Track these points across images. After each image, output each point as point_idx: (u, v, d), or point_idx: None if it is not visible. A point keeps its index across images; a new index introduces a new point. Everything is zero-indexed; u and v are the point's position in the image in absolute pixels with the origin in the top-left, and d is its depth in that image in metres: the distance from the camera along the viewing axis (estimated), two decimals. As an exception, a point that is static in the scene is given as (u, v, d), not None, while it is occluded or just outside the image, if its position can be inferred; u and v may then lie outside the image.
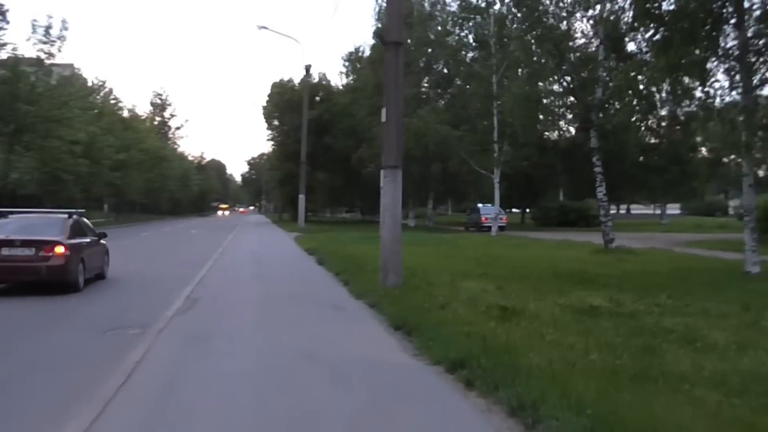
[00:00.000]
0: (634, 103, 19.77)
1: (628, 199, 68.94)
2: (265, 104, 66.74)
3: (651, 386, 5.48)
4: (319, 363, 6.78)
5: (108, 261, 15.59)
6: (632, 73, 17.59)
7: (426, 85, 48.52)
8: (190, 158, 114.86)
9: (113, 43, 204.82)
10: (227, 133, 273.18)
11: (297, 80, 61.92)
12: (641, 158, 48.24)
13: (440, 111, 42.53)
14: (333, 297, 11.89)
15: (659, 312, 9.43)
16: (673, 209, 73.72)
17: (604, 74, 21.70)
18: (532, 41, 23.04)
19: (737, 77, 14.53)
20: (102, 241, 15.21)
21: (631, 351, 6.76)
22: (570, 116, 32.61)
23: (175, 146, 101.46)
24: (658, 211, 67.94)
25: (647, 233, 37.70)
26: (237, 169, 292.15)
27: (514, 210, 64.10)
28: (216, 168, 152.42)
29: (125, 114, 71.50)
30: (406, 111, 12.81)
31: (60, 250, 12.26)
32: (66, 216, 13.64)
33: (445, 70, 47.15)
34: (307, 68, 50.86)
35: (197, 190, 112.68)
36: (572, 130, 52.92)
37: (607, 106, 22.38)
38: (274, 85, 65.30)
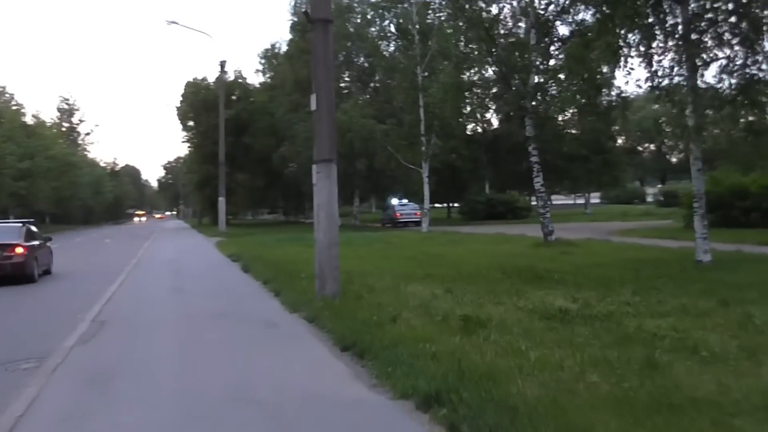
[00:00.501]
0: (575, 87, 18.97)
1: (549, 190, 69.21)
2: (179, 105, 63.90)
3: (685, 420, 4.34)
4: (254, 406, 5.34)
5: (53, 259, 19.09)
6: (571, 57, 16.79)
7: (347, 79, 47.21)
8: (102, 164, 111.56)
9: (14, 46, 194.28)
10: (141, 137, 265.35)
11: (212, 79, 59.47)
12: (565, 148, 48.27)
13: (364, 105, 41.28)
14: (264, 311, 10.39)
15: (634, 312, 8.48)
16: (593, 198, 74.86)
17: (536, 60, 20.74)
18: (461, 27, 21.96)
19: (683, 57, 13.82)
20: (48, 244, 18.63)
21: (633, 368, 5.66)
22: (495, 106, 31.98)
23: (86, 152, 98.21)
24: (579, 201, 68.69)
25: (576, 223, 37.58)
26: (153, 174, 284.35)
27: (437, 205, 63.55)
28: (130, 174, 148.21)
29: (29, 120, 67.86)
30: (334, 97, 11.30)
31: (20, 250, 15.62)
32: (21, 224, 17.24)
33: (366, 64, 45.94)
34: (222, 64, 48.87)
35: (111, 197, 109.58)
36: (495, 122, 52.91)
37: (542, 92, 21.40)
38: (188, 85, 62.36)
